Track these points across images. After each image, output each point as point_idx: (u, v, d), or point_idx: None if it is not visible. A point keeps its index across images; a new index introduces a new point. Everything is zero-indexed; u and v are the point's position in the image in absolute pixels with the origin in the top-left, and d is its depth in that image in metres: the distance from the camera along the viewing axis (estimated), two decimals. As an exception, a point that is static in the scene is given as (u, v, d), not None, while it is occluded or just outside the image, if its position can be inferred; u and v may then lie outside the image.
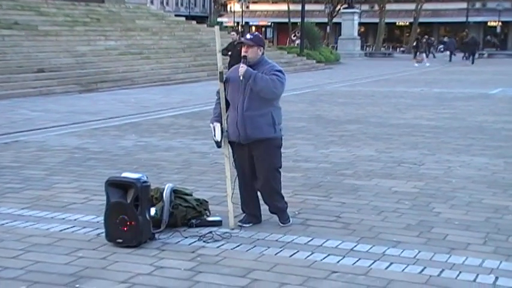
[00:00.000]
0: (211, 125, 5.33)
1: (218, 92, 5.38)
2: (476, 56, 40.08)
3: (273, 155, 5.30)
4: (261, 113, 5.19)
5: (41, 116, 12.84)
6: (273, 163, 5.32)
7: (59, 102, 15.41)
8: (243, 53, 5.23)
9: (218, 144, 5.34)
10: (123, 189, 4.89)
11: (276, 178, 5.39)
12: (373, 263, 4.54)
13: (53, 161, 8.28)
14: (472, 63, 38.09)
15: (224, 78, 5.31)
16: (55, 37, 21.54)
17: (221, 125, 5.28)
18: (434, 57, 43.29)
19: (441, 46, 46.70)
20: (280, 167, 5.42)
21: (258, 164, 5.29)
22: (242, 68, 5.15)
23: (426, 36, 45.80)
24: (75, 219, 5.56)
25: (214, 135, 5.29)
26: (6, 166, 7.91)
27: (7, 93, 16.20)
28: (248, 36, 5.41)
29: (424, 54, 39.01)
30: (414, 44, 44.41)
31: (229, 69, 5.59)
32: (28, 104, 14.94)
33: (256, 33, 5.76)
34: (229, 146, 5.37)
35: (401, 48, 56.99)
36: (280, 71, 5.28)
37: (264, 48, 5.35)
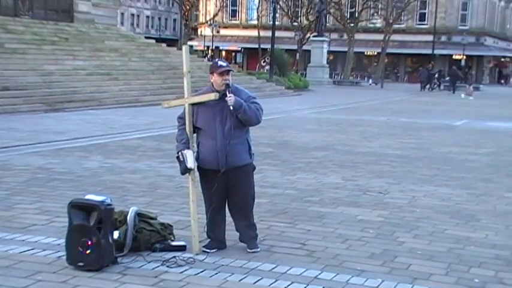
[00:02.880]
0: (180, 152, 5.16)
1: (181, 118, 5.30)
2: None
3: (248, 181, 5.37)
4: (241, 141, 5.23)
5: (4, 135, 12.62)
6: (250, 189, 5.39)
7: (24, 121, 15.18)
8: (224, 81, 5.11)
9: (186, 171, 5.21)
10: (86, 211, 4.81)
11: (251, 206, 5.44)
12: (337, 291, 4.53)
13: (16, 180, 8.12)
14: (453, 92, 40.24)
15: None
16: (22, 55, 21.29)
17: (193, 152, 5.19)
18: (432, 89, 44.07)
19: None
20: (254, 193, 5.46)
21: (234, 191, 5.29)
22: (231, 97, 5.05)
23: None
24: (35, 241, 5.44)
25: (187, 163, 5.15)
26: (-34, 185, 7.73)
27: (-30, 110, 15.93)
28: (224, 63, 5.24)
29: (471, 87, 39.43)
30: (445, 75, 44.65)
31: None
32: (-8, 121, 14.69)
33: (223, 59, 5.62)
34: (195, 170, 5.29)
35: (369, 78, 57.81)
36: (255, 97, 5.37)
37: None
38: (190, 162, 5.16)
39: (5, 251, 5.15)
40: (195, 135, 5.32)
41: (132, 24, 70.58)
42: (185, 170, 5.21)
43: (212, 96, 5.14)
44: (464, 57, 55.78)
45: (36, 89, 19.12)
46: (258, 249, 5.39)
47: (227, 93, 5.10)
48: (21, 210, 6.53)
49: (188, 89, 5.28)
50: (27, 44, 22.47)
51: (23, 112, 17.08)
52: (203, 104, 5.19)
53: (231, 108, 5.07)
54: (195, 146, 5.27)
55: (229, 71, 5.18)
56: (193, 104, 5.22)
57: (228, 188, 5.29)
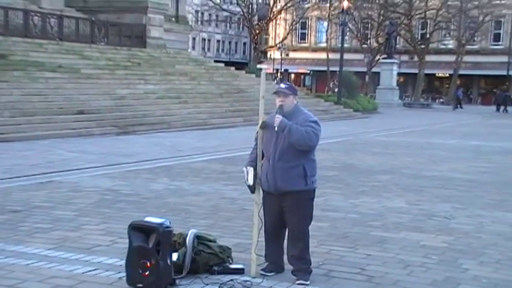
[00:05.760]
0: (244, 168, 5.34)
1: (255, 138, 5.41)
2: None
3: (303, 208, 5.24)
4: (293, 165, 5.16)
5: (77, 157, 13.08)
6: (304, 216, 5.26)
7: (96, 144, 15.69)
8: (279, 103, 5.23)
9: (251, 189, 5.34)
10: (145, 233, 4.93)
11: (302, 236, 5.26)
12: (395, 319, 4.44)
13: (84, 202, 8.39)
14: None
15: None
16: (96, 80, 22.08)
17: (255, 170, 5.28)
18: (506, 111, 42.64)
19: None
20: (311, 221, 5.36)
21: (287, 216, 5.26)
22: (277, 118, 5.13)
23: None
24: (98, 262, 5.60)
25: (247, 179, 5.30)
26: (38, 206, 8.05)
27: (47, 134, 16.59)
28: (283, 85, 5.40)
29: None
30: None
31: None
32: (66, 144, 15.25)
33: (289, 82, 5.72)
34: (261, 193, 5.35)
35: (441, 100, 56.59)
36: (315, 121, 5.23)
37: (297, 97, 5.37)
38: (250, 179, 5.27)
39: (69, 271, 5.32)
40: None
41: (203, 48, 72.04)
42: (249, 188, 5.33)
43: (260, 120, 5.26)
44: (542, 77, 53.84)
45: (109, 113, 19.77)
46: (307, 283, 5.15)
47: (276, 114, 5.17)
48: (88, 231, 6.74)
49: (261, 113, 5.34)
50: (101, 69, 23.32)
51: (96, 135, 17.67)
52: (268, 125, 5.26)
53: (275, 128, 5.13)
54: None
55: (281, 92, 5.22)
56: (262, 128, 5.31)
57: (282, 212, 5.28)
